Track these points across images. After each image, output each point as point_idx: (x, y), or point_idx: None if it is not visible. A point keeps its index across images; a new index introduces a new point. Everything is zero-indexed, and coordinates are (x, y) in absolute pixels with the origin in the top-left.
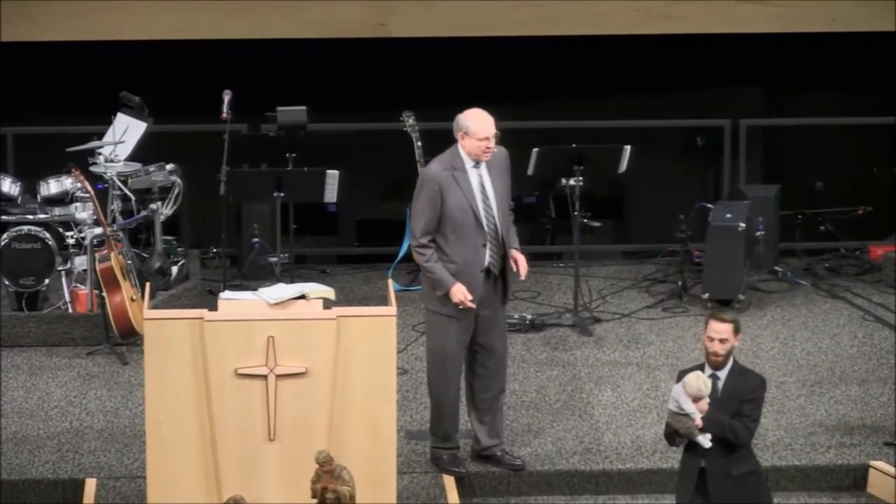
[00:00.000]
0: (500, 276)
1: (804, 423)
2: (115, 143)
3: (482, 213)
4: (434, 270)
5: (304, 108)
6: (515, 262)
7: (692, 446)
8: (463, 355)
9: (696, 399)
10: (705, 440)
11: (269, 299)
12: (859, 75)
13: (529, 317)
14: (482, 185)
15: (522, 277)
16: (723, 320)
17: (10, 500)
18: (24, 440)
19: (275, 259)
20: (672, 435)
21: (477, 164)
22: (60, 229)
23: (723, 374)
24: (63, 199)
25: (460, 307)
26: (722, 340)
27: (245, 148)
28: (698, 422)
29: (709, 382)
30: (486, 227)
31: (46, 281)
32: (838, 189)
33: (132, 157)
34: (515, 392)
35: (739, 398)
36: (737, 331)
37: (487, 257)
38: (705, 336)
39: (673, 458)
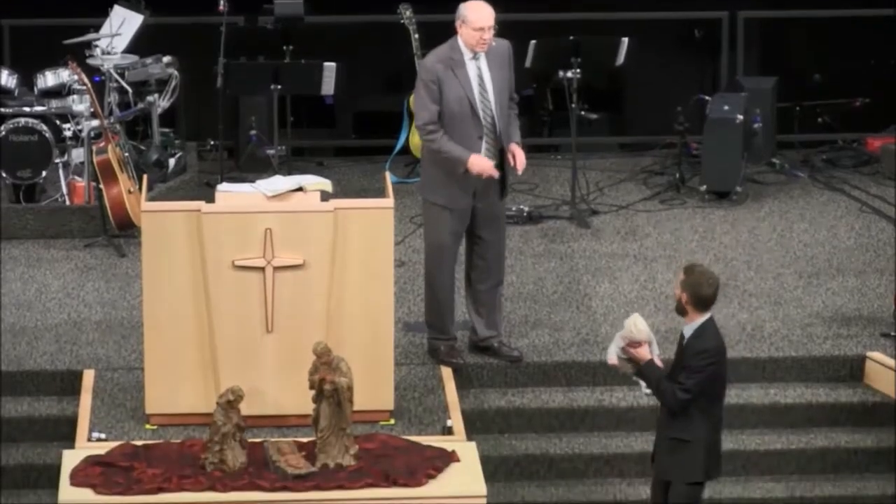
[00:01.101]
0: (497, 169)
1: (801, 315)
2: (112, 36)
3: (479, 106)
4: (448, 149)
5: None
6: (513, 156)
7: None
8: (458, 246)
9: (631, 343)
10: (642, 385)
11: (266, 191)
12: None
13: (527, 209)
14: (480, 78)
15: (520, 172)
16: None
17: (9, 392)
18: (22, 332)
19: (272, 151)
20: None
21: (476, 55)
22: (57, 121)
23: (688, 330)
24: (60, 92)
25: (483, 176)
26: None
27: (242, 40)
28: (611, 360)
29: (642, 327)
30: (482, 120)
31: (44, 173)
32: (836, 80)
33: (129, 50)
34: (513, 284)
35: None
36: (684, 286)
37: (483, 150)
38: None
39: (669, 350)
